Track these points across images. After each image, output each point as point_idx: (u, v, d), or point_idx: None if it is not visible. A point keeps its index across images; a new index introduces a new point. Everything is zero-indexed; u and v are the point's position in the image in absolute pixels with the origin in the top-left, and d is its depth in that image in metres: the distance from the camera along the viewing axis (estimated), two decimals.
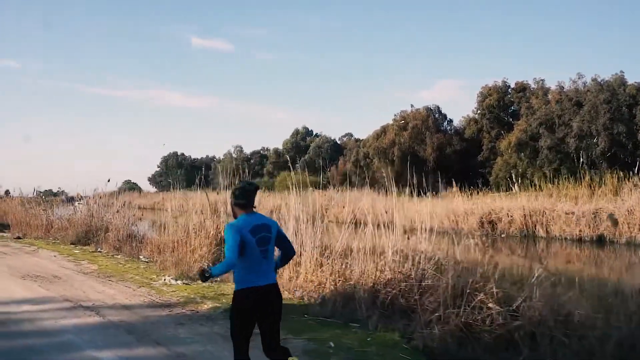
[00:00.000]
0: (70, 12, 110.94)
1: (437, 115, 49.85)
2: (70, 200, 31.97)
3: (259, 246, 4.34)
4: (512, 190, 44.11)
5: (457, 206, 28.70)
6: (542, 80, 45.63)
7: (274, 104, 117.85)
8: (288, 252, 4.74)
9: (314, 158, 60.87)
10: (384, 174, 50.13)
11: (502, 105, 46.44)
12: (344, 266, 9.05)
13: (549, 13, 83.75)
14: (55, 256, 14.21)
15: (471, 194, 31.80)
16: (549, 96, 43.75)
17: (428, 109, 49.64)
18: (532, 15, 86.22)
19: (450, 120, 50.86)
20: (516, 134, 42.18)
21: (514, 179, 43.27)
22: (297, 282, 9.41)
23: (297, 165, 62.27)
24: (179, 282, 10.21)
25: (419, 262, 8.47)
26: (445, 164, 46.15)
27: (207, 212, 13.36)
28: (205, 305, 8.27)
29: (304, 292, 9.06)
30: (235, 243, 4.21)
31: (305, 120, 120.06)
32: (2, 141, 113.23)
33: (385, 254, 8.84)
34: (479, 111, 47.73)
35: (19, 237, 19.51)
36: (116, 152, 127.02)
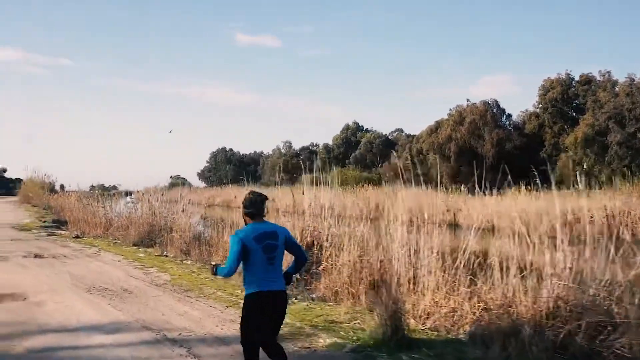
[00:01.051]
0: (119, 12, 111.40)
1: (495, 110, 47.11)
2: (126, 195, 30.86)
3: (265, 253, 4.37)
4: (577, 187, 41.26)
5: (528, 206, 26.27)
6: (609, 72, 42.56)
7: (322, 100, 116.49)
8: (300, 259, 4.72)
9: (365, 154, 58.75)
10: (440, 171, 47.92)
11: (565, 98, 43.46)
12: (488, 288, 7.02)
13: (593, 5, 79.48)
14: (119, 261, 12.59)
15: (537, 192, 29.12)
16: (617, 89, 40.64)
17: (485, 103, 46.95)
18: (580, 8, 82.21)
19: (509, 115, 48.15)
20: (582, 129, 39.25)
21: (579, 177, 40.61)
22: (422, 305, 7.43)
23: (347, 161, 60.41)
24: None
25: (590, 286, 6.44)
26: (505, 160, 43.58)
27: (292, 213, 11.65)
28: (321, 340, 6.33)
29: (436, 322, 7.07)
30: (235, 253, 4.34)
31: (353, 116, 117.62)
32: (53, 136, 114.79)
33: (542, 272, 6.80)
34: (540, 105, 44.86)
35: (77, 236, 18.08)
36: (164, 148, 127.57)
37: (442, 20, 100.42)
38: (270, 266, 4.37)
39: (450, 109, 49.32)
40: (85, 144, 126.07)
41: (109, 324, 6.93)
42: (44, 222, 24.23)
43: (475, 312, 6.90)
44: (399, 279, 8.26)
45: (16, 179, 55.08)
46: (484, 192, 11.54)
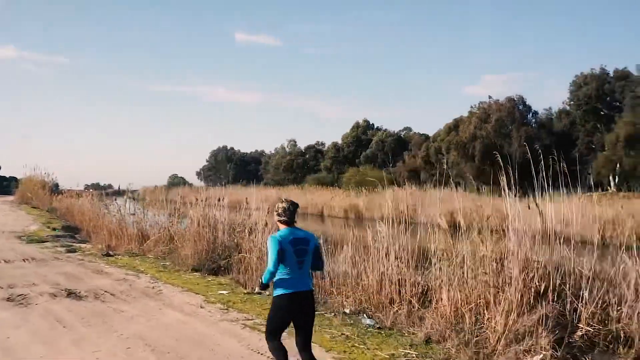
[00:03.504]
0: (116, 9, 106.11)
1: (521, 107, 43.07)
2: (119, 195, 26.81)
3: (297, 257, 4.41)
4: (609, 189, 37.54)
5: (602, 211, 22.12)
6: None
7: (325, 99, 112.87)
8: (317, 268, 4.76)
9: (376, 153, 54.30)
10: (465, 171, 43.76)
11: (599, 95, 39.51)
12: None
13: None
14: (202, 307, 7.96)
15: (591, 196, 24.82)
16: None
17: (511, 100, 42.88)
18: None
19: (536, 113, 44.04)
20: (625, 128, 35.36)
21: (616, 177, 36.74)
22: None
23: (357, 160, 56.08)
24: None
25: None
26: (533, 160, 39.67)
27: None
28: None
29: None
30: (276, 252, 4.31)
31: (359, 115, 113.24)
32: (45, 134, 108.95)
33: None
34: (571, 102, 40.92)
35: (108, 254, 13.38)
36: (160, 147, 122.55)
37: (442, 20, 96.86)
38: (299, 270, 4.41)
39: (472, 106, 45.26)
40: (78, 142, 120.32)
41: None
42: (54, 229, 19.40)
43: None
44: None
45: (11, 177, 49.92)
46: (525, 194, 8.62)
